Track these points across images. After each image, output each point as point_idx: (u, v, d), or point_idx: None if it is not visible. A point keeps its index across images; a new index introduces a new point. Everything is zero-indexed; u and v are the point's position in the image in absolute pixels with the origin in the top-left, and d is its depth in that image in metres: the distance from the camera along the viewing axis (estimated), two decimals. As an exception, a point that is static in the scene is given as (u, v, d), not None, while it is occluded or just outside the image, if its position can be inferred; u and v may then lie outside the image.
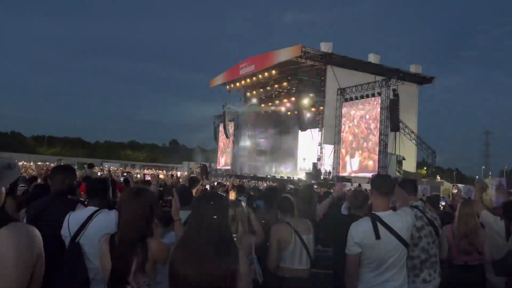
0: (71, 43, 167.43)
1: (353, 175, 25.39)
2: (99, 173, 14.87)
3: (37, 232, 1.45)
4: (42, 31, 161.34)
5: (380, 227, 2.73)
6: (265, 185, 18.54)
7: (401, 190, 3.06)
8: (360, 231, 2.80)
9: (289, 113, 34.18)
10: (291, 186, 15.49)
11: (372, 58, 30.53)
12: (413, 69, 31.88)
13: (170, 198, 2.70)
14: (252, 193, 6.22)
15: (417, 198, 3.75)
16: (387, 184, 2.93)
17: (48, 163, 31.99)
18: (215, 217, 2.06)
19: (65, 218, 2.86)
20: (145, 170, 32.30)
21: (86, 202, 3.35)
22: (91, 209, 2.92)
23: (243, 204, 3.42)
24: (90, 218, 2.82)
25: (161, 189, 5.14)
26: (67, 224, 2.82)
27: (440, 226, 3.49)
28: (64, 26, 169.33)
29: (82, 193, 4.53)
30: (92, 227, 2.77)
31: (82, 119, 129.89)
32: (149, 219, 2.32)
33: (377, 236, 2.71)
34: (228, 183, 16.18)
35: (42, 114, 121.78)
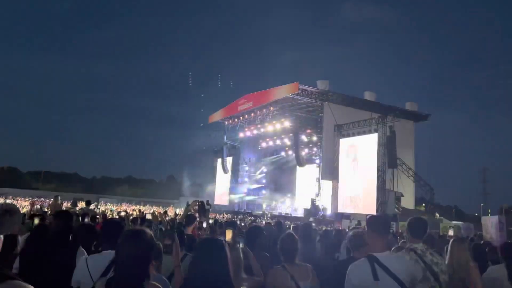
0: (67, 78, 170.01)
1: (351, 211, 25.17)
2: (96, 210, 14.70)
3: None
4: (38, 66, 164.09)
5: (378, 268, 2.70)
6: (249, 219, 18.31)
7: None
8: (357, 272, 2.77)
9: (287, 148, 34.32)
10: (288, 223, 15.32)
11: (368, 95, 31.07)
12: (408, 106, 32.38)
13: (169, 243, 2.62)
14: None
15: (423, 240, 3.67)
16: (383, 223, 2.93)
17: (43, 199, 31.69)
18: (213, 266, 2.04)
19: (80, 263, 2.74)
20: (141, 207, 31.96)
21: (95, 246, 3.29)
22: (110, 252, 2.76)
23: (241, 245, 3.36)
24: (113, 262, 2.63)
25: (162, 228, 5.07)
26: (87, 269, 2.68)
27: (443, 271, 3.39)
28: (61, 61, 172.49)
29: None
30: None
31: (78, 154, 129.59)
32: (147, 262, 2.24)
33: (375, 278, 2.67)
34: (222, 217, 15.89)
35: (38, 150, 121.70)
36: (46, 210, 13.46)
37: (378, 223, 2.94)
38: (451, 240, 4.01)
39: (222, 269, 2.09)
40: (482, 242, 8.68)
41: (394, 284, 2.68)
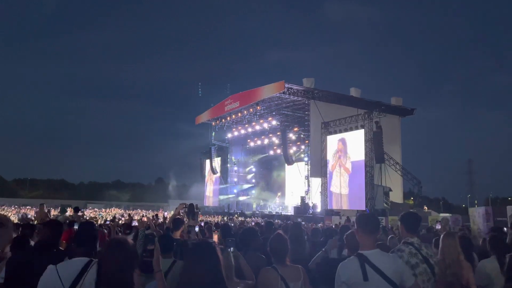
0: (53, 84, 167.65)
1: (340, 208, 25.32)
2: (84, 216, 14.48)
3: None
4: (23, 72, 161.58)
5: (368, 268, 2.70)
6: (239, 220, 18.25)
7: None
8: (347, 270, 2.77)
9: (275, 147, 34.38)
10: (277, 221, 15.31)
11: (354, 92, 31.25)
12: (393, 101, 32.66)
13: (152, 248, 2.58)
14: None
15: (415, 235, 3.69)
16: (372, 222, 2.94)
17: (29, 207, 31.15)
18: (205, 271, 2.00)
19: (49, 271, 2.62)
20: (130, 211, 31.65)
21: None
22: (83, 260, 2.70)
23: (232, 248, 3.32)
24: (85, 269, 2.61)
25: (154, 233, 4.99)
26: (58, 277, 2.58)
27: (436, 263, 3.44)
28: (47, 67, 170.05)
29: (63, 241, 4.37)
30: (90, 280, 2.55)
31: (65, 160, 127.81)
32: (131, 271, 2.23)
33: (365, 278, 2.67)
34: (212, 221, 15.84)
35: (23, 157, 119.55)
36: (33, 218, 13.22)
37: (367, 221, 2.95)
38: (441, 235, 4.02)
39: (215, 273, 2.07)
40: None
41: (383, 282, 2.68)
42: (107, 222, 7.64)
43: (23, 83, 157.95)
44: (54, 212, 24.13)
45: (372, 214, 3.40)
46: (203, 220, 16.97)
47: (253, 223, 14.14)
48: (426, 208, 30.25)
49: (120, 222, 12.83)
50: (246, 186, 39.10)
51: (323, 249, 4.65)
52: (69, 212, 17.79)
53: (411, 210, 3.89)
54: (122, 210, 33.58)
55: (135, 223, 5.56)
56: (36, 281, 2.67)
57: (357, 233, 2.96)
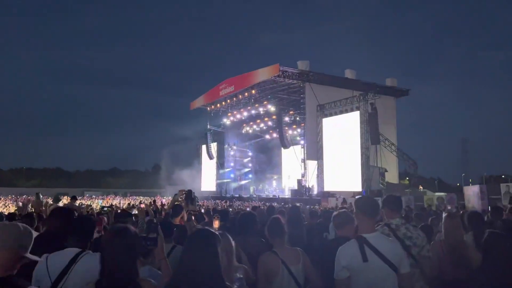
0: (47, 70, 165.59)
1: (337, 190, 25.51)
2: (77, 203, 14.46)
3: None
4: (15, 59, 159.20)
5: (367, 249, 2.71)
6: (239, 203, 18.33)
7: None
8: (347, 253, 2.77)
9: (271, 131, 34.38)
10: (275, 204, 15.42)
11: (349, 73, 31.16)
12: (388, 82, 32.61)
13: (154, 236, 2.56)
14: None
15: (401, 214, 3.74)
16: (371, 205, 2.95)
17: (25, 196, 31.15)
18: (203, 258, 2.02)
19: (38, 266, 2.55)
20: (128, 199, 31.74)
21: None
22: (73, 250, 2.67)
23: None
24: (73, 261, 2.57)
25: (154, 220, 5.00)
26: (46, 267, 2.54)
27: (416, 244, 3.43)
28: (40, 53, 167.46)
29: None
30: (77, 273, 2.52)
31: (61, 148, 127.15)
32: (134, 259, 2.22)
33: (364, 259, 2.68)
34: (209, 206, 15.88)
35: (19, 146, 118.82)
36: (30, 208, 13.19)
37: (366, 204, 2.96)
38: (444, 217, 4.04)
39: (213, 261, 2.08)
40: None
41: (383, 264, 2.70)
42: (105, 210, 7.60)
43: (17, 70, 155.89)
44: (50, 201, 24.15)
45: (371, 197, 3.44)
46: (201, 205, 17.07)
47: (247, 209, 14.19)
48: (422, 187, 30.57)
49: (118, 211, 12.85)
50: (243, 170, 39.21)
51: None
52: (65, 200, 17.81)
53: (390, 194, 3.89)
54: (120, 198, 33.65)
55: (135, 212, 5.58)
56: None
57: (357, 216, 2.97)
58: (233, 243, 3.07)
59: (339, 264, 2.77)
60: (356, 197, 3.67)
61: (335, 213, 4.02)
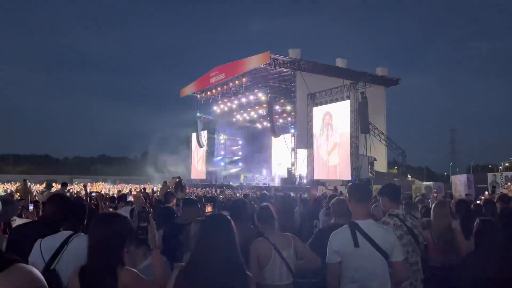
0: (33, 58, 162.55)
1: (326, 178, 25.69)
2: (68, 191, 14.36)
3: (40, 276, 1.27)
4: (3, 47, 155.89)
5: (359, 235, 2.74)
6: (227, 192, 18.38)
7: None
8: (338, 238, 2.81)
9: (261, 119, 34.32)
10: (265, 192, 15.49)
11: (340, 62, 31.11)
12: (379, 71, 32.68)
13: (145, 225, 2.53)
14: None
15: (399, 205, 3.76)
16: (364, 192, 2.97)
17: (13, 183, 30.78)
18: (224, 240, 1.99)
19: (35, 245, 2.64)
20: (117, 185, 31.58)
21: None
22: (65, 233, 2.72)
23: None
24: (65, 243, 2.62)
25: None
26: (39, 250, 2.60)
27: (421, 233, 3.53)
28: (26, 41, 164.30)
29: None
30: (68, 253, 2.57)
31: (48, 135, 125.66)
32: (119, 247, 2.17)
33: (356, 244, 2.71)
34: (197, 193, 15.87)
35: (6, 133, 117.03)
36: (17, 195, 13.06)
37: (359, 191, 2.97)
38: (433, 204, 4.10)
39: (232, 248, 2.04)
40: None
41: (374, 251, 2.72)
42: (93, 195, 7.48)
43: (2, 58, 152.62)
44: (39, 188, 23.92)
45: (364, 184, 3.46)
46: (190, 193, 17.05)
47: (237, 195, 14.23)
48: (410, 176, 30.92)
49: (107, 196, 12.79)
50: (233, 158, 39.18)
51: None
52: (55, 187, 17.64)
53: (390, 182, 3.94)
54: (110, 185, 33.45)
55: (130, 198, 5.52)
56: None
57: (350, 203, 2.99)
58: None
59: (331, 248, 2.81)
60: (349, 184, 3.70)
61: (334, 200, 4.04)
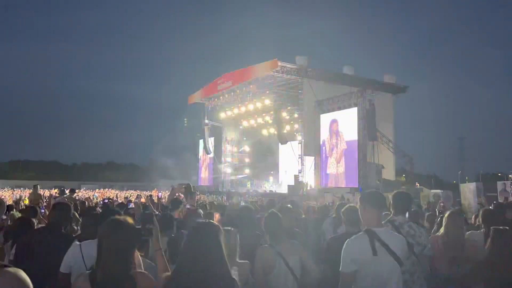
0: (44, 65, 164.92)
1: (334, 186, 25.58)
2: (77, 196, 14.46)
3: (27, 278, 1.31)
4: (14, 53, 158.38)
5: (377, 243, 2.69)
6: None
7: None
8: (356, 247, 2.75)
9: (268, 127, 34.34)
10: (273, 199, 15.43)
11: (347, 70, 31.06)
12: (386, 79, 32.55)
13: (150, 227, 2.59)
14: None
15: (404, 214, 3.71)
16: (381, 198, 2.94)
17: (22, 188, 31.07)
18: (209, 251, 2.02)
19: (73, 248, 2.76)
20: (125, 192, 31.70)
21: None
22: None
23: (231, 228, 3.36)
24: None
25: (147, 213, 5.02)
26: (82, 258, 2.68)
27: (419, 243, 3.43)
28: (36, 48, 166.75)
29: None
30: None
31: (58, 141, 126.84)
32: (131, 251, 2.23)
33: (374, 253, 2.65)
34: (205, 200, 15.87)
35: (16, 139, 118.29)
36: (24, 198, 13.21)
37: (376, 197, 2.94)
38: (447, 214, 4.02)
39: (216, 253, 2.08)
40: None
41: (391, 260, 2.68)
42: (105, 201, 7.60)
43: (12, 64, 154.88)
44: (50, 192, 24.13)
45: (377, 191, 3.43)
46: (199, 200, 17.04)
47: (241, 203, 14.19)
48: (418, 184, 30.62)
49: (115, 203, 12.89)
50: (240, 165, 39.18)
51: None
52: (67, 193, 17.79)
53: (399, 190, 3.88)
54: (117, 191, 33.62)
55: (131, 205, 5.57)
56: (44, 260, 2.76)
57: (364, 210, 2.93)
58: (238, 239, 3.08)
59: (347, 257, 2.73)
60: (364, 191, 3.69)
61: (346, 208, 4.01)
